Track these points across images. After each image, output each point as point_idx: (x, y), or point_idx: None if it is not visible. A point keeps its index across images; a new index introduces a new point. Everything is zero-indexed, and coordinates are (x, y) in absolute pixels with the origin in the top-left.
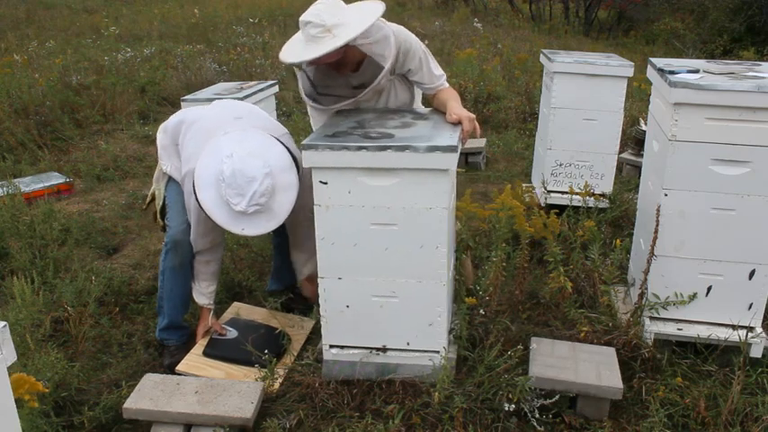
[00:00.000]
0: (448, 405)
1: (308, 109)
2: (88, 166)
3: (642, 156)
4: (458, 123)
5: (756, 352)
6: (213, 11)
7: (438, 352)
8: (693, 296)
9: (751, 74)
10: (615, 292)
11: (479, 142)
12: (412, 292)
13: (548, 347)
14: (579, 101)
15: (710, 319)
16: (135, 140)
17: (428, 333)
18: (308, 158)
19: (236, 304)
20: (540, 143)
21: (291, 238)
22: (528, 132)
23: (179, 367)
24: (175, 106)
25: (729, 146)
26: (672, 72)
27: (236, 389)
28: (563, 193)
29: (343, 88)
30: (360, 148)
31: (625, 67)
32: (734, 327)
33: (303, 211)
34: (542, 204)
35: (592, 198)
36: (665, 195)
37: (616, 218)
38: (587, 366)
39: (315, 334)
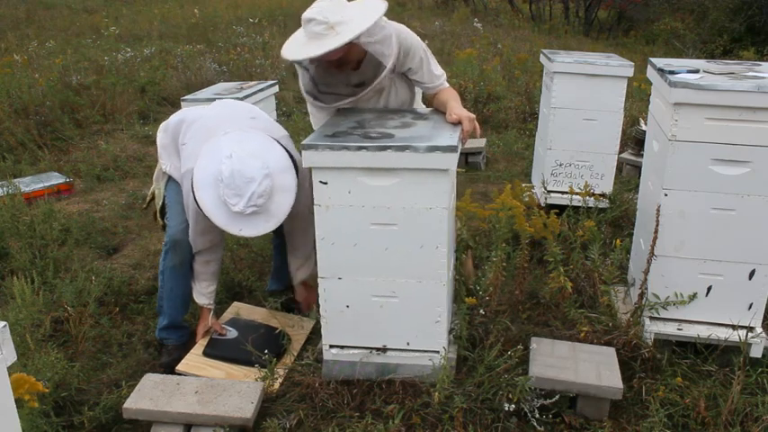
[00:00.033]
0: (448, 405)
1: (309, 107)
2: (88, 166)
3: (642, 156)
4: (458, 123)
5: (756, 352)
6: (213, 11)
7: (438, 352)
8: (693, 296)
9: (751, 74)
10: (615, 292)
11: (479, 142)
12: (412, 292)
13: (548, 347)
14: (579, 101)
15: (710, 319)
16: (135, 140)
17: (428, 333)
18: (307, 158)
19: (236, 304)
20: (540, 143)
21: (287, 242)
22: (528, 132)
23: (179, 367)
24: (175, 106)
25: (729, 146)
26: (672, 72)
27: (236, 389)
28: (563, 193)
29: (344, 86)
30: (360, 148)
31: (625, 67)
32: (734, 327)
33: (298, 217)
34: (542, 204)
35: (592, 198)
36: (665, 195)
37: (616, 218)
38: (587, 366)
39: (315, 334)
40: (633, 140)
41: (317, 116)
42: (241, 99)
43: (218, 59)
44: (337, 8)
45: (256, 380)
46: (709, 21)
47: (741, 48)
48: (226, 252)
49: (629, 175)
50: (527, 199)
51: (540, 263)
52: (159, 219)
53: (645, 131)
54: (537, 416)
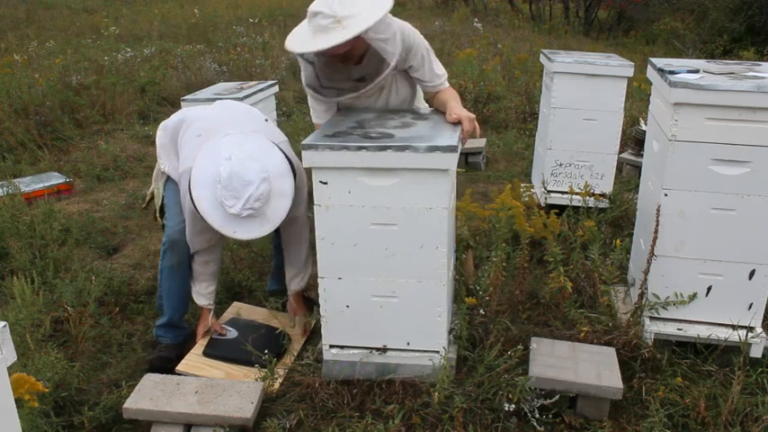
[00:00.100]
0: (448, 405)
1: (309, 100)
2: (88, 166)
3: (642, 156)
4: (458, 123)
5: (756, 352)
6: (213, 11)
7: (438, 352)
8: (693, 296)
9: (751, 74)
10: (615, 292)
11: (479, 142)
12: (412, 292)
13: (548, 347)
14: (579, 101)
15: (710, 319)
16: (135, 140)
17: (428, 333)
18: (307, 158)
19: (236, 304)
20: (540, 143)
21: (284, 249)
22: (528, 132)
23: (179, 367)
24: (175, 106)
25: (729, 146)
26: (672, 72)
27: (236, 389)
28: (563, 193)
29: (345, 81)
30: (360, 148)
31: (625, 67)
32: (734, 327)
33: (294, 223)
34: (542, 204)
35: (592, 198)
36: (665, 195)
37: (616, 218)
38: (587, 366)
39: (315, 334)
40: (633, 140)
41: (317, 109)
42: (241, 99)
43: (218, 59)
44: (345, 2)
45: (256, 380)
46: (709, 21)
47: (741, 48)
48: (226, 252)
49: (629, 175)
50: (527, 199)
51: (540, 263)
52: (159, 218)
53: (645, 131)
54: (537, 416)
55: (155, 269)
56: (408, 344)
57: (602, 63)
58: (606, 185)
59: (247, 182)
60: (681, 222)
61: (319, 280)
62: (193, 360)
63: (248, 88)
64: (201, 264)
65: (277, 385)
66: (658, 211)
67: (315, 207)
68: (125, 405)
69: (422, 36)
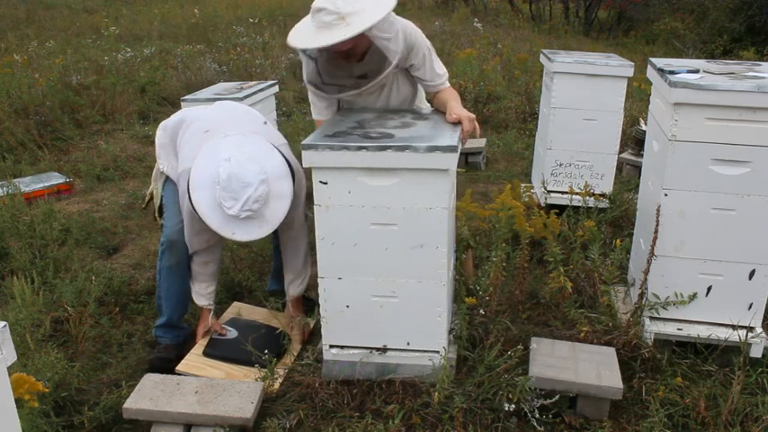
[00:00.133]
0: (448, 405)
1: (310, 96)
2: (88, 166)
3: (642, 156)
4: (458, 123)
5: (756, 352)
6: (213, 11)
7: (438, 352)
8: (693, 296)
9: (751, 74)
10: (615, 292)
11: (479, 142)
12: (412, 292)
13: (548, 347)
14: (579, 101)
15: (710, 319)
16: (135, 140)
17: (428, 333)
18: (307, 158)
19: (236, 304)
20: (540, 143)
21: (282, 253)
22: (528, 132)
23: (179, 367)
24: (175, 106)
25: (729, 146)
26: (672, 72)
27: (236, 389)
28: (563, 193)
29: (347, 78)
30: (360, 148)
31: (625, 67)
32: (734, 327)
33: (292, 226)
34: (542, 204)
35: (592, 198)
36: (665, 195)
37: (616, 218)
38: (587, 366)
39: (315, 334)
40: (633, 140)
41: (318, 106)
42: (241, 99)
43: (218, 59)
44: None
45: (256, 380)
46: (709, 21)
47: (741, 48)
48: (226, 252)
49: (629, 175)
50: (527, 199)
51: (540, 263)
52: (158, 218)
53: (645, 131)
54: (537, 416)
55: (155, 269)
56: (408, 344)
57: (602, 63)
58: (606, 185)
59: (246, 183)
60: (681, 222)
61: (319, 280)
62: (193, 360)
63: (248, 88)
64: (201, 264)
65: (277, 385)
66: (658, 211)
67: (315, 207)
68: (125, 405)
69: (423, 35)
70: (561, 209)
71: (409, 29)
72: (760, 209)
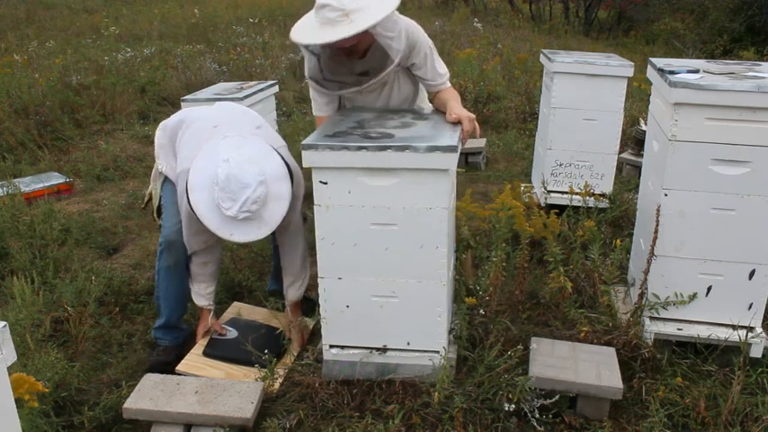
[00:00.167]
0: (448, 405)
1: (311, 91)
2: (88, 166)
3: (642, 156)
4: (457, 123)
5: (756, 352)
6: (213, 11)
7: (438, 352)
8: (693, 296)
9: (751, 74)
10: (615, 292)
11: (479, 142)
12: (412, 292)
13: (548, 347)
14: (579, 101)
15: (710, 319)
16: (135, 140)
17: (428, 333)
18: (307, 158)
19: (236, 304)
20: (540, 143)
21: (280, 256)
22: (528, 132)
23: (179, 367)
24: (175, 106)
25: (729, 146)
26: (672, 72)
27: (236, 389)
28: (563, 193)
29: (348, 75)
30: (360, 148)
31: (625, 67)
32: (734, 327)
33: (289, 229)
34: (542, 204)
35: (592, 198)
36: (665, 195)
37: (616, 218)
38: (587, 366)
39: (315, 334)
40: (633, 140)
41: (318, 102)
42: (241, 99)
43: (218, 59)
44: None
45: (256, 380)
46: (709, 21)
47: (741, 48)
48: (226, 252)
49: (629, 175)
50: (527, 199)
51: (540, 263)
52: (157, 219)
53: (645, 131)
54: (537, 416)
55: (154, 269)
56: (408, 344)
57: (602, 63)
58: (606, 185)
59: (245, 184)
60: (681, 222)
61: (319, 280)
62: (193, 360)
63: (248, 88)
64: (200, 265)
65: (277, 385)
66: (658, 211)
67: (315, 207)
68: (125, 405)
69: (426, 34)
70: (561, 209)
71: (411, 27)
72: (760, 209)
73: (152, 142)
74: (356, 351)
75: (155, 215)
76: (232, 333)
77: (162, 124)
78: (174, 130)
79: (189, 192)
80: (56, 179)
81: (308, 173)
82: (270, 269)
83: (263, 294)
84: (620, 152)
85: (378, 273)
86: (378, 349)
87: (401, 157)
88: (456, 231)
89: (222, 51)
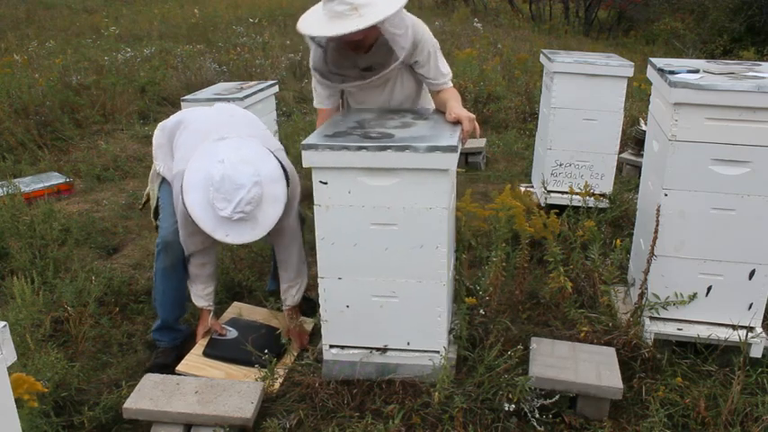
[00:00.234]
0: (448, 405)
1: (313, 83)
2: (88, 166)
3: (642, 156)
4: (457, 123)
5: (756, 352)
6: (213, 11)
7: (438, 352)
8: (693, 296)
9: (751, 74)
10: (615, 292)
11: (479, 142)
12: (412, 292)
13: (548, 347)
14: (579, 101)
15: (710, 319)
16: (135, 140)
17: (428, 333)
18: (307, 158)
19: (236, 304)
20: (540, 143)
21: (277, 259)
22: (528, 132)
23: (179, 368)
24: (175, 106)
25: (729, 146)
26: (672, 72)
27: (236, 389)
28: (563, 193)
29: (352, 69)
30: (360, 148)
31: (625, 67)
32: (734, 327)
33: (284, 232)
34: (542, 204)
35: (592, 198)
36: (665, 195)
37: (616, 218)
38: (587, 366)
39: (315, 334)
40: (633, 140)
41: (320, 94)
42: (241, 99)
43: (218, 59)
44: None
45: (256, 380)
46: (709, 21)
47: (741, 48)
48: (226, 252)
49: (629, 175)
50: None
51: (540, 263)
52: (153, 220)
53: (645, 131)
54: (537, 416)
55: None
56: (408, 344)
57: (602, 63)
58: (606, 185)
59: (239, 185)
60: (681, 222)
61: (319, 280)
62: (193, 360)
63: (248, 88)
64: (197, 266)
65: (277, 385)
66: (658, 211)
67: (315, 207)
68: (125, 405)
69: (431, 33)
70: (561, 209)
71: (418, 25)
72: (760, 209)
73: (152, 142)
74: (356, 351)
75: (152, 216)
76: (232, 333)
77: (161, 124)
78: (173, 130)
79: (184, 193)
80: (56, 179)
81: (307, 173)
82: (270, 269)
83: (263, 294)
84: (620, 152)
85: (378, 273)
86: (378, 349)
87: (401, 157)
88: (456, 231)
89: (222, 51)
